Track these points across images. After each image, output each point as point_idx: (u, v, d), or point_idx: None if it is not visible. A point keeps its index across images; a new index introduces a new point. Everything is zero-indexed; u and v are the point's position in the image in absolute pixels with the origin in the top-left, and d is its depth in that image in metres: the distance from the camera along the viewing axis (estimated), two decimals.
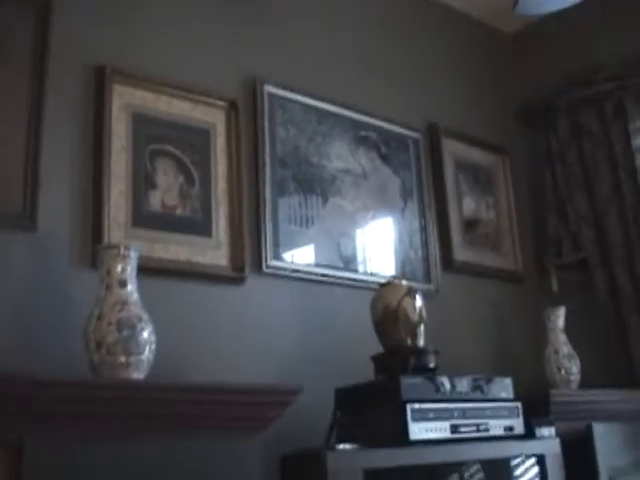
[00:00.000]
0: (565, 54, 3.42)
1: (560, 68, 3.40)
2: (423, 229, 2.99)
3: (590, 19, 3.30)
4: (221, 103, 2.52)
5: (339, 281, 2.63)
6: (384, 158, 2.96)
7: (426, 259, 2.94)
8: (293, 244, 2.55)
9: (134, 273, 1.75)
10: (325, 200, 2.70)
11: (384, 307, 2.24)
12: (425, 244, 2.97)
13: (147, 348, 1.70)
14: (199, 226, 2.35)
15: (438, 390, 2.03)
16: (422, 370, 2.11)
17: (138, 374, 1.67)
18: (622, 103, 3.14)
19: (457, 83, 3.39)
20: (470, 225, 3.20)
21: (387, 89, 3.06)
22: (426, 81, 3.26)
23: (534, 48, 3.60)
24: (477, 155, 3.34)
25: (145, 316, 1.73)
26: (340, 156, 2.80)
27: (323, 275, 2.59)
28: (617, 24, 3.23)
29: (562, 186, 3.30)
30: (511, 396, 2.20)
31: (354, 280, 2.68)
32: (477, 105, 3.43)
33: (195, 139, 2.43)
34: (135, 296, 1.75)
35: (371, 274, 2.72)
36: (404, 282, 2.34)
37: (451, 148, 3.23)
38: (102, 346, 1.65)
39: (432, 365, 2.17)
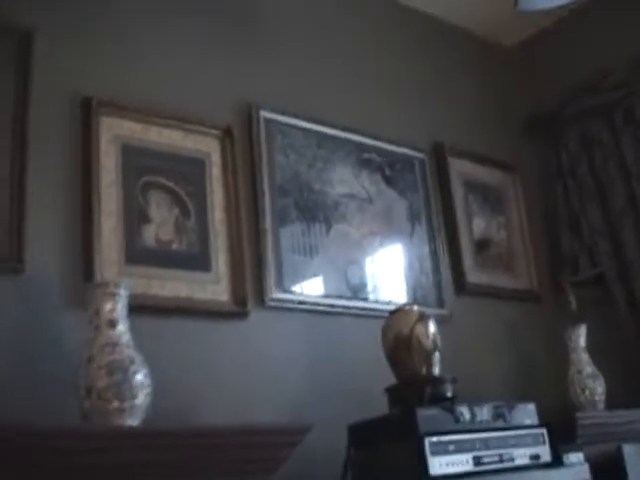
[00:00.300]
0: (569, 63, 3.37)
1: (565, 77, 3.35)
2: (433, 253, 2.92)
3: (593, 24, 3.27)
4: (215, 131, 2.47)
5: (348, 311, 2.56)
6: (389, 181, 2.90)
7: (438, 284, 2.87)
8: (297, 275, 2.48)
9: (125, 312, 1.67)
10: (329, 227, 2.64)
11: (396, 335, 2.17)
12: (436, 268, 2.90)
13: (142, 392, 1.60)
14: (197, 260, 2.28)
15: (457, 421, 1.92)
16: (439, 400, 2.01)
17: (132, 420, 1.57)
18: (632, 110, 3.07)
19: (461, 100, 3.35)
20: (482, 246, 3.14)
21: (389, 109, 3.02)
22: (429, 99, 3.22)
23: (537, 59, 3.55)
24: (485, 173, 3.29)
25: (138, 358, 1.64)
26: (343, 181, 2.75)
27: (331, 305, 2.52)
28: (622, 27, 3.16)
29: (575, 200, 3.24)
30: (535, 422, 2.09)
31: (364, 309, 2.60)
32: (483, 121, 3.39)
33: (189, 169, 2.37)
34: (127, 337, 1.66)
35: (381, 302, 2.64)
36: (415, 308, 2.26)
37: (458, 167, 3.18)
38: (92, 391, 1.56)
39: (450, 394, 2.07)
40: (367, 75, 3.02)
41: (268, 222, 2.47)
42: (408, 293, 2.77)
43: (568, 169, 3.27)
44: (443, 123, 3.22)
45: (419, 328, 2.14)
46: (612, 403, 2.69)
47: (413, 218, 2.92)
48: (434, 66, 3.31)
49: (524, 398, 2.23)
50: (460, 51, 3.46)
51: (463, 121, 3.30)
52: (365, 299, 2.63)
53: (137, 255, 2.16)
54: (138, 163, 2.25)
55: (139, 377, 1.61)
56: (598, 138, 3.18)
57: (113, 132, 2.23)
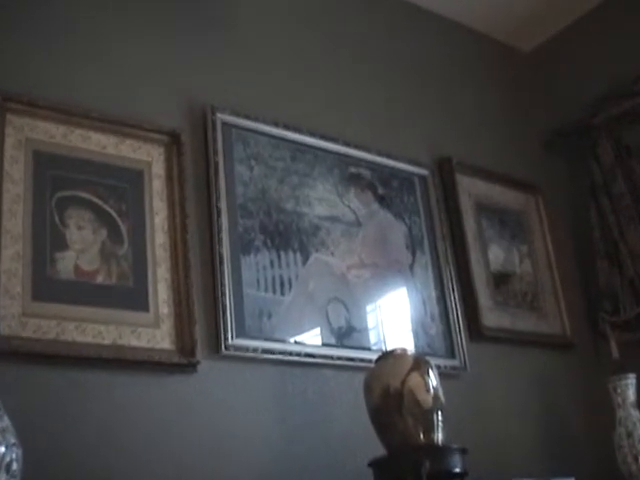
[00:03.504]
0: (597, 66, 3.33)
1: (593, 83, 3.30)
2: (440, 289, 2.80)
3: (620, 21, 3.25)
4: (158, 136, 2.30)
5: (330, 362, 2.40)
6: (383, 201, 2.78)
7: (447, 327, 2.75)
8: (263, 316, 2.32)
9: None
10: (306, 257, 2.49)
11: (383, 389, 1.96)
12: (444, 308, 2.78)
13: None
14: (130, 297, 2.11)
15: None
16: (444, 478, 1.84)
17: None
18: None
19: (471, 108, 3.30)
20: (501, 281, 3.03)
21: (383, 116, 2.95)
22: (433, 106, 3.16)
23: (559, 64, 3.52)
24: (502, 194, 3.21)
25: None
26: (324, 200, 2.62)
27: (308, 355, 2.36)
28: None
29: (611, 223, 3.12)
30: None
31: (350, 360, 2.44)
32: (497, 134, 3.34)
33: (123, 182, 2.21)
34: None
35: (373, 351, 2.47)
36: (410, 352, 2.10)
37: (469, 186, 3.09)
38: None
39: (458, 469, 1.87)
40: (356, 75, 2.94)
41: (225, 249, 2.30)
42: (408, 339, 2.63)
43: (602, 186, 3.17)
44: (450, 134, 3.15)
45: (414, 379, 1.94)
46: None
47: (414, 246, 2.80)
48: (439, 68, 3.27)
49: (560, 470, 2.29)
50: (471, 54, 3.43)
51: (474, 132, 3.24)
52: (352, 347, 2.48)
53: (48, 290, 1.97)
54: (55, 174, 2.08)
55: None
56: (636, 147, 3.10)
57: (23, 134, 2.07)
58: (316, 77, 2.80)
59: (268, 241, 2.41)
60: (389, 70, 3.05)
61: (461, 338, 2.76)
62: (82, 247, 2.05)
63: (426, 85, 3.18)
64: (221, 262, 2.27)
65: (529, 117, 3.48)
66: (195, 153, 2.37)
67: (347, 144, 2.73)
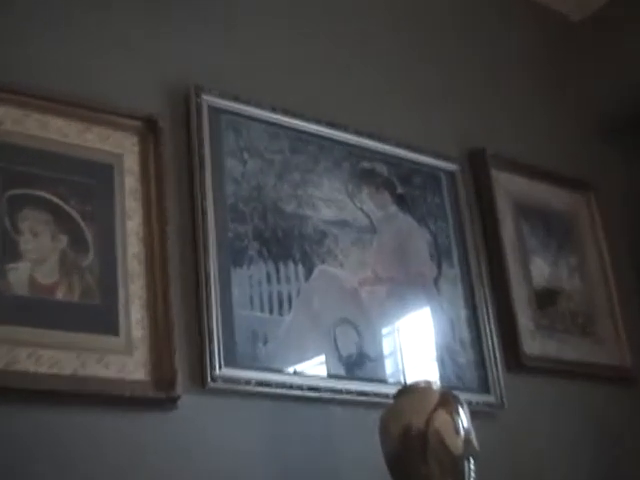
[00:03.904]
0: None
1: None
2: (471, 308, 2.81)
3: None
4: (131, 122, 2.31)
5: (338, 396, 2.41)
6: (402, 202, 2.81)
7: (479, 355, 2.77)
8: (258, 341, 2.33)
9: None
10: (309, 269, 2.50)
11: (403, 430, 1.96)
12: (477, 333, 2.80)
13: None
14: (96, 317, 2.11)
15: None
16: None
17: None
18: None
19: (510, 91, 3.34)
20: (545, 300, 3.04)
21: (403, 100, 2.98)
22: (464, 89, 3.19)
23: (617, 36, 3.54)
24: (547, 194, 3.24)
25: None
26: (331, 201, 2.65)
27: (311, 388, 2.35)
28: None
29: None
30: None
31: (363, 394, 2.44)
32: (541, 121, 3.36)
33: (87, 179, 2.21)
34: None
35: (390, 383, 2.49)
36: (436, 385, 2.11)
37: (506, 184, 3.11)
38: None
39: None
40: (369, 50, 2.97)
41: (212, 260, 2.30)
42: (433, 370, 2.65)
43: None
44: (484, 121, 3.18)
45: (441, 418, 1.95)
46: None
47: (440, 256, 2.82)
48: (471, 43, 3.30)
49: None
50: (509, 24, 3.45)
51: (513, 120, 3.27)
52: (364, 379, 2.49)
53: None
54: (5, 167, 2.08)
55: None
56: None
57: None
58: (322, 52, 2.83)
59: (264, 250, 2.41)
60: (409, 43, 3.08)
61: (497, 369, 2.76)
62: (38, 256, 2.05)
63: (457, 61, 3.20)
64: (207, 276, 2.26)
65: (580, 101, 3.51)
66: (176, 144, 2.37)
67: (359, 133, 2.74)
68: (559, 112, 3.44)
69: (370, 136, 2.78)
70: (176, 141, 2.38)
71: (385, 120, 2.86)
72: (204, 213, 2.33)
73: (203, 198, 2.34)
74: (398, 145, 2.84)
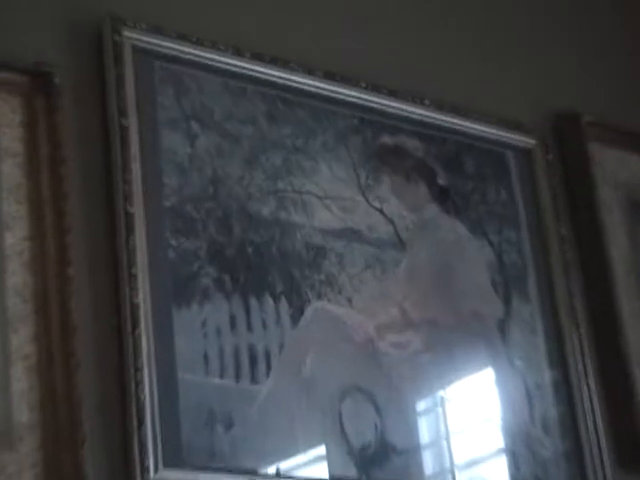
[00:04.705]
0: None
1: None
2: (561, 369, 2.85)
3: None
4: (10, 76, 2.24)
5: None
6: (446, 198, 2.84)
7: (575, 444, 2.76)
8: (216, 424, 2.27)
9: None
10: (299, 309, 2.49)
11: None
12: (569, 407, 2.80)
13: None
14: None
15: None
16: None
17: None
18: None
19: (608, 39, 3.45)
20: None
21: (448, 42, 3.04)
22: (543, 33, 3.29)
23: None
24: None
25: None
26: (333, 197, 2.67)
27: None
28: None
29: None
30: None
31: None
32: None
33: None
34: None
35: None
36: None
37: (614, 167, 3.15)
38: None
39: None
40: None
41: (143, 296, 2.24)
42: (500, 467, 2.68)
43: None
44: (574, 77, 3.28)
45: None
46: None
47: (508, 285, 2.84)
48: None
49: None
50: None
51: (615, 77, 3.38)
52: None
53: None
54: None
55: None
56: None
57: None
58: None
59: (226, 278, 2.40)
60: None
61: (603, 466, 2.76)
62: None
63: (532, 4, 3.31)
64: (134, 322, 2.20)
65: None
66: (82, 110, 2.32)
67: (376, 89, 2.75)
68: None
69: (393, 94, 2.78)
70: (82, 106, 2.32)
71: (418, 69, 2.90)
72: (128, 222, 2.27)
73: (126, 197, 2.28)
74: (439, 108, 2.85)
